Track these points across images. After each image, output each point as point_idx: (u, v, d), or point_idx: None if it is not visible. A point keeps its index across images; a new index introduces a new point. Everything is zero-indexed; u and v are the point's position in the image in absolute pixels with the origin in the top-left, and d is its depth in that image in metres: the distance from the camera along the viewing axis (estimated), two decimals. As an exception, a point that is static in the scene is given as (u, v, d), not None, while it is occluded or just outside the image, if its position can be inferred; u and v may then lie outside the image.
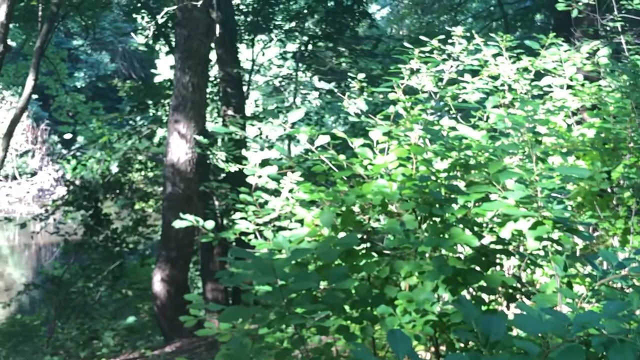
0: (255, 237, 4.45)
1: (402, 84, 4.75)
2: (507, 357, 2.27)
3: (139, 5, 17.72)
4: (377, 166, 3.88)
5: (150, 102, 16.38)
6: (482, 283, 3.37)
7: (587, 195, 5.06)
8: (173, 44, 14.28)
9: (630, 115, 5.23)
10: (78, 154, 20.88)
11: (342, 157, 4.04)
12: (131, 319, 14.37)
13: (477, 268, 3.39)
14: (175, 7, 11.06)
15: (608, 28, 8.83)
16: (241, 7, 17.38)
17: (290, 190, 4.48)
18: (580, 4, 7.45)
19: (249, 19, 17.25)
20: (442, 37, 5.36)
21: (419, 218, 3.55)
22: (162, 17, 14.79)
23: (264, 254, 3.36)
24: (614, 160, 5.22)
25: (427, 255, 3.47)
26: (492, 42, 5.69)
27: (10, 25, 12.05)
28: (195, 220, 4.20)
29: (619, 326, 2.27)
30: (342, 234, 3.73)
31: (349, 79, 5.74)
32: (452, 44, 5.40)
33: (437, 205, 3.46)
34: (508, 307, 3.82)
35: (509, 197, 3.23)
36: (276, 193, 4.71)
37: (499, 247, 3.54)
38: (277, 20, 17.77)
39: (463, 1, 21.46)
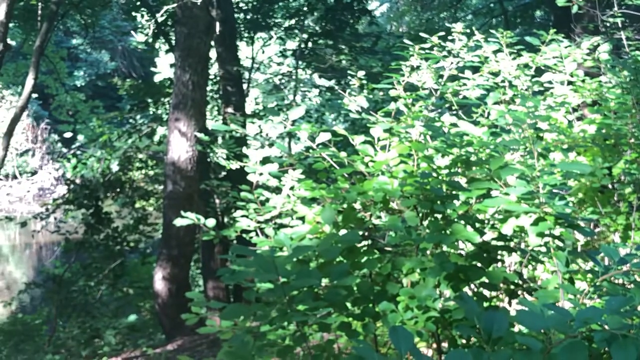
0: (257, 234, 4.45)
1: (402, 81, 4.74)
2: (510, 353, 2.27)
3: (138, 3, 17.71)
4: (378, 163, 3.88)
5: (150, 100, 16.37)
6: (484, 279, 3.38)
7: (588, 191, 5.06)
8: (173, 42, 14.27)
9: (631, 111, 5.22)
10: (78, 152, 20.87)
11: (343, 154, 4.04)
12: (132, 318, 14.38)
13: (479, 264, 3.39)
14: (175, 5, 11.05)
15: (608, 24, 8.82)
16: (241, 4, 17.36)
17: (291, 188, 4.48)
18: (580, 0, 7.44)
19: (248, 17, 17.24)
20: (442, 33, 5.36)
21: (420, 215, 3.55)
22: (162, 16, 14.78)
23: (265, 251, 3.37)
24: (615, 156, 5.21)
25: (428, 251, 3.47)
26: (493, 38, 5.69)
27: (10, 24, 12.04)
28: (196, 219, 4.20)
29: (621, 322, 2.27)
30: (343, 231, 3.73)
31: (349, 77, 5.74)
32: (452, 40, 5.39)
33: (438, 202, 3.46)
34: (510, 304, 3.82)
35: (511, 193, 3.23)
36: (277, 190, 4.71)
37: (501, 243, 3.54)
38: (277, 18, 17.76)
39: (463, -2, 21.46)
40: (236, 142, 10.55)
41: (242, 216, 4.57)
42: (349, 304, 3.33)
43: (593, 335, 2.24)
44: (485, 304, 3.47)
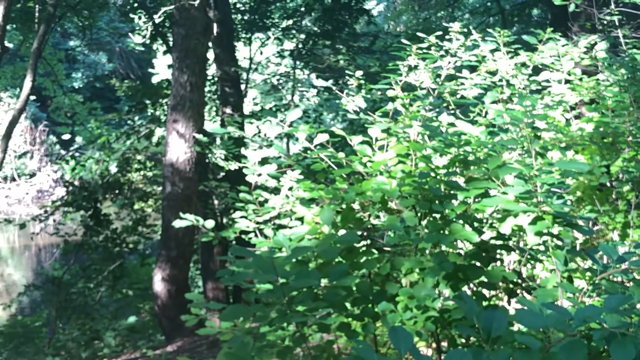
0: (256, 235, 4.46)
1: (400, 81, 4.75)
2: (509, 352, 2.27)
3: (135, 5, 17.70)
4: (377, 163, 3.88)
5: (148, 101, 16.36)
6: (483, 278, 3.38)
7: (586, 189, 5.07)
8: (170, 43, 14.28)
9: (629, 109, 5.23)
10: (77, 154, 20.88)
11: (341, 154, 4.04)
12: (132, 319, 14.38)
13: (478, 264, 3.40)
14: (172, 6, 11.05)
15: (605, 22, 8.83)
16: (238, 5, 17.37)
17: (290, 189, 4.48)
18: (577, -2, 7.45)
19: (246, 18, 17.24)
20: (439, 33, 5.36)
21: (419, 214, 3.55)
22: (159, 17, 14.78)
23: (264, 252, 3.37)
24: (612, 154, 5.22)
25: (427, 251, 3.47)
26: (490, 37, 5.69)
27: (8, 27, 12.03)
28: (195, 220, 4.20)
29: (620, 320, 2.27)
30: (342, 232, 3.73)
31: (347, 76, 5.74)
32: (450, 40, 5.39)
33: (437, 202, 3.46)
34: (509, 303, 3.83)
35: (509, 193, 3.23)
36: (276, 191, 4.71)
37: (499, 242, 3.55)
38: (274, 18, 17.76)
39: (460, -3, 21.47)
40: (235, 143, 10.55)
41: (241, 217, 4.57)
42: (348, 305, 3.33)
43: (592, 333, 2.25)
44: (485, 303, 3.48)
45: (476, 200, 3.47)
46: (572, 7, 7.53)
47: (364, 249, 3.63)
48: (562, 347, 2.19)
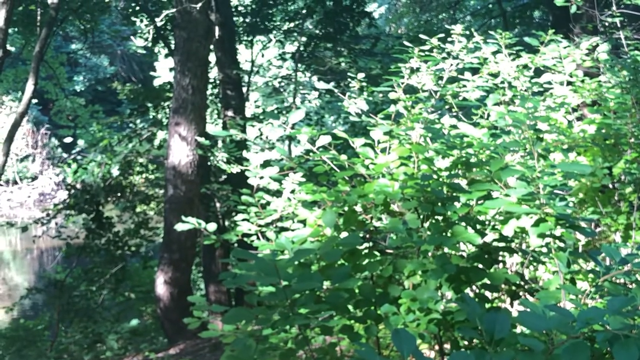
0: (258, 238, 4.46)
1: (402, 83, 4.75)
2: (512, 354, 2.27)
3: (137, 8, 17.72)
4: (379, 165, 3.88)
5: (150, 104, 16.37)
6: (486, 281, 3.38)
7: (588, 191, 5.06)
8: (172, 46, 14.28)
9: (631, 111, 5.23)
10: (79, 157, 20.88)
11: (343, 157, 4.04)
12: (134, 322, 14.38)
13: (480, 266, 3.40)
14: (174, 9, 11.06)
15: (607, 24, 8.83)
16: (240, 8, 17.37)
17: (292, 191, 4.48)
18: None
19: (247, 20, 17.25)
20: (441, 35, 5.37)
21: (421, 217, 3.55)
22: (161, 20, 14.78)
23: (266, 255, 3.37)
24: (615, 155, 5.22)
25: (430, 253, 3.47)
26: (492, 39, 5.70)
27: (10, 30, 12.06)
28: (197, 223, 4.21)
29: (623, 322, 2.27)
30: (344, 234, 3.73)
31: (349, 79, 5.74)
32: (452, 42, 5.39)
33: (439, 204, 3.46)
34: (512, 305, 3.82)
35: (511, 195, 3.23)
36: (278, 194, 4.71)
37: (502, 244, 3.54)
38: (276, 21, 17.76)
39: (461, -1, 21.46)
40: (236, 145, 10.55)
41: (243, 220, 4.58)
42: (350, 307, 3.33)
43: (595, 335, 2.25)
44: (487, 305, 3.48)
45: (479, 202, 3.47)
46: (573, 9, 7.53)
47: (366, 251, 3.63)
48: (565, 349, 2.18)
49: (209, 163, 12.28)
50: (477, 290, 3.53)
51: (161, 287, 10.75)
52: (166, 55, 19.04)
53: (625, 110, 5.29)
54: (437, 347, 3.65)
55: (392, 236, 3.60)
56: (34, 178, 38.31)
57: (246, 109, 16.19)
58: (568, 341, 2.24)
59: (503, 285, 3.61)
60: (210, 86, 15.21)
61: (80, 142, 29.73)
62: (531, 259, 3.78)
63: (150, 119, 16.45)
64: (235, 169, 5.21)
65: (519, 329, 2.95)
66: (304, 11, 17.36)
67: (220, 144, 11.92)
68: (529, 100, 4.29)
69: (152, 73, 39.86)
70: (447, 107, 5.00)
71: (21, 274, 25.78)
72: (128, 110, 19.59)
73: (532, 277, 4.40)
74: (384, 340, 3.94)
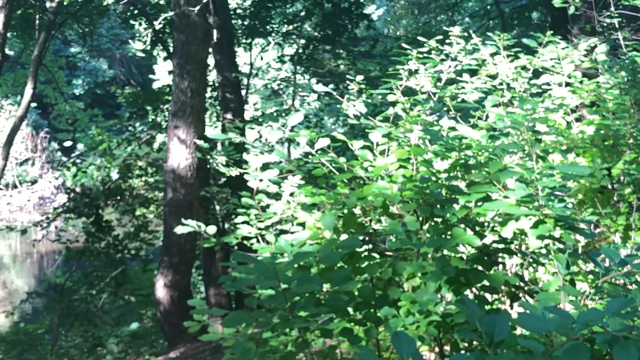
0: (257, 241, 4.45)
1: (400, 85, 4.75)
2: (512, 356, 2.27)
3: (136, 11, 17.72)
4: (378, 168, 3.88)
5: (149, 108, 16.37)
6: (485, 282, 3.38)
7: (588, 192, 5.07)
8: (171, 49, 14.28)
9: (630, 112, 5.23)
10: (78, 161, 20.93)
11: (342, 159, 4.05)
12: (134, 325, 14.37)
13: (480, 268, 3.40)
14: (172, 12, 11.06)
15: (605, 24, 8.83)
16: (238, 11, 17.37)
17: (292, 194, 4.48)
18: (576, 0, 7.45)
19: (246, 23, 17.25)
20: (439, 37, 5.37)
21: (420, 219, 3.55)
22: (160, 23, 14.78)
23: (266, 258, 3.37)
24: (614, 156, 5.22)
25: (429, 256, 3.47)
26: (490, 41, 5.70)
27: (8, 34, 12.06)
28: (197, 226, 4.20)
29: (622, 323, 2.27)
30: (344, 237, 3.73)
31: (348, 81, 5.74)
32: (450, 44, 5.40)
33: (438, 206, 3.46)
34: (511, 306, 3.82)
35: (510, 196, 3.23)
36: (277, 197, 4.71)
37: (501, 246, 3.54)
38: (275, 24, 17.76)
39: (459, 1, 21.45)
40: (236, 148, 10.54)
41: (243, 223, 4.57)
42: (350, 309, 3.33)
43: (595, 337, 2.25)
44: (487, 307, 3.48)
45: (477, 204, 3.46)
46: (571, 10, 7.53)
47: (365, 253, 3.63)
48: (565, 351, 2.18)
49: (208, 166, 12.27)
50: (477, 292, 3.53)
51: (161, 291, 10.74)
52: (165, 58, 19.05)
53: (624, 111, 5.29)
54: (437, 350, 3.65)
55: (392, 238, 3.60)
56: (34, 182, 38.29)
57: (245, 111, 16.19)
58: (568, 343, 2.24)
59: (503, 287, 3.61)
60: (209, 89, 15.21)
61: (80, 146, 29.73)
62: (530, 260, 3.78)
63: (150, 122, 16.46)
64: (234, 171, 5.21)
65: (518, 330, 2.95)
66: (302, 13, 17.37)
67: (219, 146, 11.92)
68: (527, 101, 4.29)
69: (151, 76, 39.86)
70: (445, 109, 5.00)
71: (21, 278, 25.76)
72: (127, 113, 19.59)
73: (531, 278, 4.40)
74: (383, 342, 3.94)
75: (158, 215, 15.56)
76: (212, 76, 15.76)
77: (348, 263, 3.49)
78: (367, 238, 3.78)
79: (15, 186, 37.28)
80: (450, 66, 5.12)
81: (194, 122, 10.76)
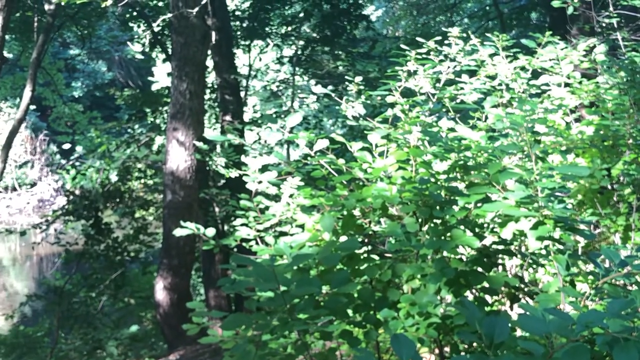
0: (257, 243, 4.45)
1: (399, 87, 4.74)
2: (512, 357, 2.26)
3: (134, 13, 17.73)
4: (377, 169, 3.87)
5: (148, 110, 16.37)
6: (485, 284, 3.37)
7: (587, 193, 5.06)
8: (170, 51, 14.29)
9: (629, 112, 5.23)
10: (77, 163, 20.90)
11: (341, 161, 4.04)
12: (134, 328, 14.37)
13: (479, 269, 3.39)
14: (171, 14, 11.06)
15: (604, 25, 8.84)
16: (237, 13, 17.38)
17: (291, 196, 4.47)
18: (575, 1, 7.45)
19: (244, 25, 17.25)
20: (438, 38, 5.36)
21: (419, 220, 3.54)
22: (158, 25, 14.79)
23: (265, 260, 3.36)
24: (613, 157, 5.21)
25: (428, 257, 3.46)
26: (489, 42, 5.69)
27: (7, 37, 12.06)
28: (196, 228, 4.19)
29: (623, 324, 2.26)
30: (343, 238, 3.72)
31: (347, 82, 5.74)
32: (449, 44, 5.39)
33: (437, 207, 3.45)
34: (511, 308, 3.81)
35: (509, 198, 3.23)
36: (276, 198, 4.70)
37: (501, 247, 3.54)
38: (273, 25, 17.77)
39: (458, 1, 21.46)
40: (235, 150, 10.54)
41: (242, 225, 4.56)
42: (350, 312, 3.32)
43: (595, 338, 2.24)
44: (487, 309, 3.47)
45: (477, 205, 3.46)
46: (570, 10, 7.53)
47: (365, 255, 3.62)
48: (565, 353, 2.18)
49: (207, 168, 12.27)
50: (477, 294, 3.52)
51: (161, 293, 10.74)
52: (164, 61, 19.06)
53: (623, 111, 5.29)
54: (436, 351, 3.64)
55: (391, 240, 3.60)
56: (33, 184, 38.32)
57: (244, 113, 16.19)
58: (568, 344, 2.23)
59: (502, 289, 3.60)
60: (208, 91, 15.22)
61: (79, 148, 29.76)
62: (530, 261, 3.77)
63: (149, 124, 16.47)
64: (233, 173, 5.20)
65: (518, 332, 2.94)
66: (301, 15, 17.37)
67: (218, 148, 11.91)
68: (526, 102, 4.29)
69: (150, 78, 39.91)
70: (444, 110, 4.99)
71: (21, 280, 25.76)
72: (126, 115, 19.62)
73: (531, 280, 4.40)
74: (383, 344, 3.94)
75: (157, 218, 15.56)
76: (211, 78, 15.77)
77: (347, 265, 3.48)
78: (366, 240, 3.77)
79: (14, 189, 37.31)
80: (449, 67, 5.11)
81: (193, 124, 10.75)
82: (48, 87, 21.62)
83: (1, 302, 20.95)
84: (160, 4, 17.67)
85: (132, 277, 15.60)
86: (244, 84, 16.97)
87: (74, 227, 14.64)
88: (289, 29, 17.67)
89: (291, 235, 4.26)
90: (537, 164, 3.37)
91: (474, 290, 3.51)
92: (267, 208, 4.58)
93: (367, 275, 3.47)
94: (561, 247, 3.31)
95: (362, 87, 5.30)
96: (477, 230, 3.47)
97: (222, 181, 13.14)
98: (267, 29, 17.46)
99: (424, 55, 5.08)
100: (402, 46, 5.14)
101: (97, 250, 14.00)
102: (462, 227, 3.39)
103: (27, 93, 13.80)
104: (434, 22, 22.44)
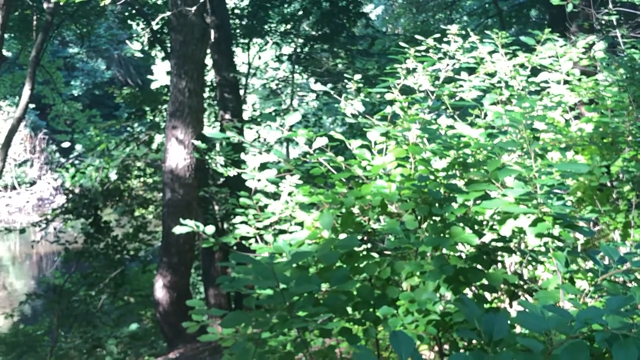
0: (256, 241, 4.45)
1: (398, 84, 4.74)
2: (511, 355, 2.26)
3: (133, 12, 17.72)
4: (376, 167, 3.87)
5: (147, 108, 16.36)
6: (484, 281, 3.37)
7: (587, 190, 5.06)
8: (169, 49, 14.28)
9: (628, 109, 5.23)
10: (76, 162, 20.88)
11: (340, 158, 4.04)
12: (134, 326, 14.37)
13: (479, 266, 3.39)
14: (169, 12, 11.05)
15: (603, 22, 8.83)
16: (236, 11, 17.36)
17: (290, 194, 4.47)
18: (574, -2, 7.45)
19: (243, 23, 17.24)
20: (437, 35, 5.36)
21: (418, 218, 3.54)
22: (157, 24, 14.77)
23: (264, 258, 3.36)
24: (612, 154, 5.21)
25: (428, 255, 3.46)
26: (488, 39, 5.69)
27: (6, 36, 12.05)
28: (196, 226, 4.20)
29: (622, 321, 2.26)
30: (342, 236, 3.72)
31: (346, 80, 5.73)
32: (448, 42, 5.39)
33: (436, 205, 3.45)
34: (510, 305, 3.82)
35: (509, 195, 3.22)
36: (275, 196, 4.70)
37: (500, 244, 3.54)
38: (272, 23, 17.75)
39: (457, -1, 21.48)
40: (234, 148, 10.53)
41: (241, 223, 4.57)
42: (349, 309, 3.32)
43: (594, 335, 2.24)
44: (486, 306, 3.47)
45: (476, 202, 3.46)
46: (569, 7, 7.53)
47: (364, 253, 3.62)
48: (565, 350, 2.18)
49: (207, 166, 12.27)
50: (476, 291, 3.52)
51: (160, 291, 10.74)
52: (163, 59, 19.05)
53: (622, 108, 5.29)
54: (436, 349, 3.64)
55: (390, 237, 3.59)
56: (33, 183, 38.30)
57: (244, 111, 16.18)
58: (567, 341, 2.23)
59: (502, 286, 3.60)
60: (207, 89, 15.20)
61: (78, 147, 29.72)
62: (529, 258, 3.77)
63: (148, 122, 16.46)
64: (232, 171, 5.20)
65: (518, 329, 2.95)
66: (300, 12, 17.35)
67: (217, 146, 11.91)
68: (525, 99, 4.28)
69: (149, 76, 39.88)
70: (443, 107, 4.99)
71: (20, 279, 25.75)
72: (125, 114, 19.60)
73: (530, 277, 4.40)
74: (383, 342, 3.94)
75: (157, 216, 15.56)
76: (210, 76, 15.76)
77: (346, 262, 3.48)
78: (365, 237, 3.77)
79: (14, 187, 37.31)
80: (448, 64, 5.11)
81: (192, 122, 10.75)
82: (47, 86, 21.60)
83: (1, 300, 20.95)
84: (159, 2, 17.66)
85: (132, 276, 15.59)
86: (243, 82, 16.96)
87: (73, 225, 14.63)
88: (288, 26, 17.64)
89: (290, 233, 4.26)
90: (536, 161, 3.37)
91: (473, 288, 3.51)
92: (266, 206, 4.58)
93: (366, 272, 3.48)
94: (560, 244, 3.31)
95: (361, 85, 5.30)
96: (476, 227, 3.47)
97: (222, 179, 13.13)
98: (266, 26, 17.43)
99: (423, 53, 5.07)
100: (401, 44, 5.13)
101: (96, 249, 14.00)
102: (461, 224, 3.39)
103: (26, 91, 13.79)
104: (433, 19, 22.42)
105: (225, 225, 12.79)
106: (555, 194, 3.23)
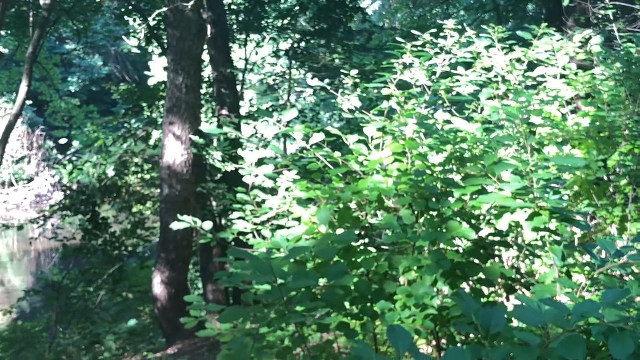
0: (254, 236, 4.45)
1: (395, 79, 4.74)
2: (508, 348, 2.27)
3: (130, 8, 17.69)
4: (373, 162, 3.88)
5: (144, 104, 16.34)
6: (481, 275, 3.38)
7: (583, 184, 5.07)
8: (166, 45, 14.26)
9: (625, 103, 5.23)
10: (74, 158, 20.85)
11: (337, 154, 4.04)
12: (132, 322, 14.36)
13: (476, 261, 3.40)
14: (166, 8, 11.03)
15: (600, 16, 8.84)
16: (232, 6, 17.34)
17: (287, 189, 4.47)
18: (571, -7, 7.45)
19: (240, 19, 17.22)
20: (434, 30, 5.35)
21: (416, 213, 3.55)
22: (154, 19, 14.75)
23: (262, 253, 3.36)
24: (609, 148, 5.22)
25: (425, 249, 3.47)
26: (485, 34, 5.69)
27: (2, 32, 12.04)
28: (193, 222, 4.20)
29: (618, 315, 2.27)
30: (339, 231, 3.73)
31: (343, 75, 5.73)
32: (445, 37, 5.38)
33: (433, 199, 3.46)
34: (508, 299, 3.82)
35: (505, 189, 3.23)
36: (273, 192, 4.70)
37: (497, 239, 3.54)
38: (269, 19, 17.73)
39: (454, -6, 21.46)
40: (231, 144, 10.53)
41: (239, 218, 4.57)
42: (347, 304, 3.33)
43: (591, 328, 2.25)
44: (483, 300, 3.48)
45: (473, 197, 3.46)
46: (566, 2, 7.53)
47: (361, 248, 3.63)
48: (561, 343, 2.18)
49: (204, 162, 12.26)
50: (473, 285, 3.53)
51: (158, 287, 10.75)
52: (160, 55, 19.02)
53: (619, 102, 5.30)
54: (433, 343, 3.65)
55: (387, 232, 3.60)
56: (30, 180, 38.29)
57: (241, 107, 16.17)
58: (564, 335, 2.24)
59: (499, 280, 3.60)
60: (204, 85, 15.19)
61: (76, 143, 29.70)
62: (526, 253, 3.78)
63: (145, 118, 16.44)
64: (230, 167, 5.20)
65: (515, 323, 2.95)
66: (297, 8, 17.34)
67: (215, 142, 11.90)
68: (522, 94, 4.29)
69: (146, 73, 39.83)
70: (440, 102, 4.99)
71: (19, 276, 25.74)
72: (123, 110, 19.56)
73: (527, 271, 4.41)
74: (381, 336, 3.95)
75: (155, 212, 15.53)
76: (207, 72, 15.73)
77: (344, 258, 3.49)
78: (362, 232, 3.78)
79: (11, 184, 37.29)
80: (445, 59, 5.11)
81: (190, 118, 10.75)
82: (44, 82, 21.56)
83: (-1, 297, 20.95)
84: (156, -3, 17.64)
85: (130, 272, 15.59)
86: (241, 77, 16.94)
87: (71, 222, 14.62)
88: (285, 22, 17.62)
89: (288, 228, 4.26)
90: (533, 155, 3.37)
91: (470, 282, 3.51)
92: (264, 202, 4.58)
93: (364, 267, 3.48)
94: (557, 238, 3.32)
95: (358, 80, 5.30)
96: (473, 222, 3.47)
97: (219, 175, 13.13)
98: (263, 22, 17.41)
99: (420, 48, 5.07)
100: (398, 39, 5.13)
101: (94, 245, 13.99)
102: (458, 219, 3.40)
103: (24, 88, 13.77)
104: (430, 14, 22.42)
105: (223, 221, 12.80)
106: (552, 188, 3.24)
